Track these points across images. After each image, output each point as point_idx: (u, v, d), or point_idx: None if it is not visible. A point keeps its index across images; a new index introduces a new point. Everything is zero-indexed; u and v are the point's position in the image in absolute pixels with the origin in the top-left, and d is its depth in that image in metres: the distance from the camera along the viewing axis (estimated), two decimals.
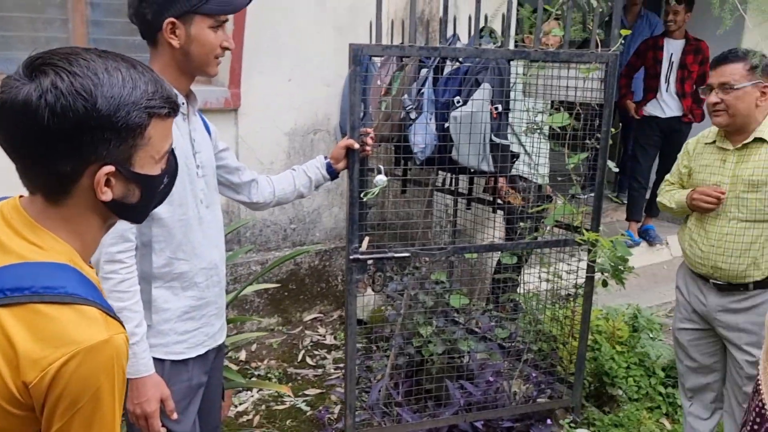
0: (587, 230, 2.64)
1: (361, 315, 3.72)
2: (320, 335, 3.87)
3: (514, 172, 3.21)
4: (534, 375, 2.96)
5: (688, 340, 2.56)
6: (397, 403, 2.82)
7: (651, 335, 3.51)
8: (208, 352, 1.81)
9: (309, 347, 3.75)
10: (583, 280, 2.81)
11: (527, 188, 3.24)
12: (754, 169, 2.32)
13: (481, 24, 3.07)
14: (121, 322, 0.96)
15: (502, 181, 3.24)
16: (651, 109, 4.88)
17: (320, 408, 3.15)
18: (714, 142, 2.46)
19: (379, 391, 2.87)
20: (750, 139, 2.34)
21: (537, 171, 3.19)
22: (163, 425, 1.65)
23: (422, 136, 2.89)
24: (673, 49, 4.79)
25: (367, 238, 2.39)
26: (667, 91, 4.84)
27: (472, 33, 2.70)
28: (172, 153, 1.08)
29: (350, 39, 3.58)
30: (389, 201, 3.86)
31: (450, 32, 3.20)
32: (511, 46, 2.97)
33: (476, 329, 3.12)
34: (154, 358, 1.65)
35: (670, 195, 2.56)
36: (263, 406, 3.17)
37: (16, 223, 0.96)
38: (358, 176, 2.30)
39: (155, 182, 1.03)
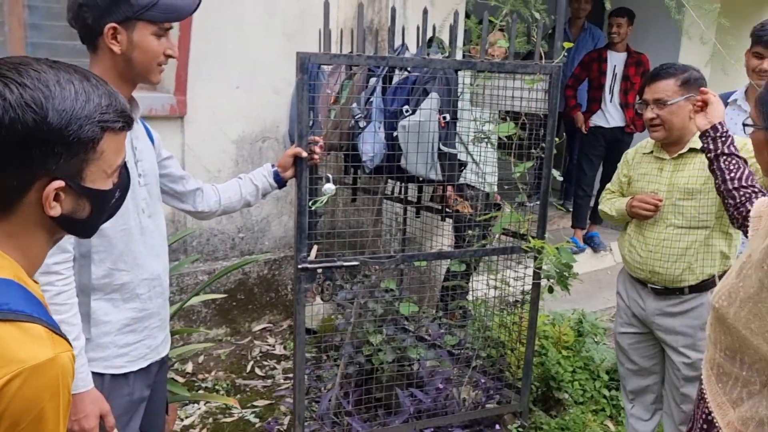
0: (533, 238, 2.70)
1: (311, 324, 3.70)
2: (269, 345, 3.82)
3: (462, 180, 3.26)
4: (483, 381, 2.99)
5: (629, 343, 2.64)
6: (348, 412, 2.81)
7: (596, 339, 3.60)
8: (150, 365, 1.76)
9: (258, 358, 3.69)
10: (530, 286, 2.87)
11: (475, 196, 3.29)
12: (689, 178, 2.41)
13: (430, 34, 3.11)
14: (67, 340, 0.93)
15: (450, 189, 3.28)
16: (596, 119, 5.04)
17: (269, 419, 3.11)
18: (652, 152, 2.54)
19: (329, 400, 2.86)
20: (685, 150, 2.43)
21: (485, 179, 3.24)
22: None
23: (371, 145, 2.90)
24: (616, 61, 4.96)
25: (315, 247, 2.37)
26: (611, 101, 5.00)
27: (420, 43, 2.73)
28: (124, 166, 1.05)
29: (300, 46, 3.57)
30: (339, 209, 3.85)
31: (399, 42, 3.23)
32: (459, 57, 3.02)
33: (426, 337, 3.14)
34: (93, 373, 1.60)
35: (611, 203, 2.63)
36: (210, 419, 3.10)
37: None
38: (307, 185, 2.29)
39: (106, 197, 1.01)
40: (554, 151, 2.72)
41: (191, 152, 3.66)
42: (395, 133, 2.88)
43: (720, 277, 2.41)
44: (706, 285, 2.41)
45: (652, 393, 2.68)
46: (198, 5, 1.70)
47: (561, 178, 2.93)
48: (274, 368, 3.61)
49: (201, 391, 3.30)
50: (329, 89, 3.30)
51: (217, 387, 3.37)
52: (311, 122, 3.54)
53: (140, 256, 1.68)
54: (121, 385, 1.69)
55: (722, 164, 1.94)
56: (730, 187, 1.89)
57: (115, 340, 1.67)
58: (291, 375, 3.39)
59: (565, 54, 2.60)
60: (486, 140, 3.01)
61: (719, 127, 1.99)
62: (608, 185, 2.73)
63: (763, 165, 1.45)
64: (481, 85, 2.85)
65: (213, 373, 3.51)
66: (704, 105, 2.10)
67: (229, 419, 3.11)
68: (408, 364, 2.97)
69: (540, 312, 3.64)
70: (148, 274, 1.71)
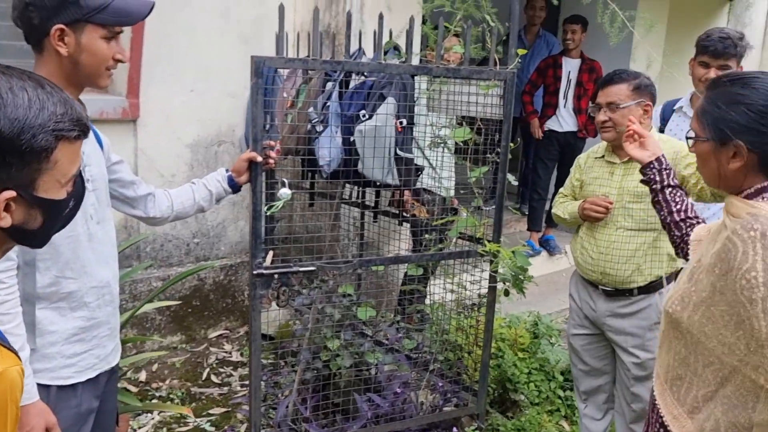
0: (489, 241, 2.73)
1: (269, 330, 3.66)
2: (226, 352, 3.77)
3: (419, 185, 3.27)
4: (440, 384, 3.01)
5: (581, 345, 2.69)
6: (305, 418, 2.79)
7: (551, 341, 3.67)
8: (99, 375, 1.72)
9: (214, 365, 3.64)
10: (487, 290, 2.90)
11: (432, 201, 3.31)
12: (638, 182, 2.47)
13: (386, 39, 3.13)
14: (16, 353, 0.90)
15: (407, 193, 3.30)
16: (550, 123, 5.15)
17: (225, 427, 3.06)
18: (603, 156, 2.61)
19: (287, 407, 2.83)
20: None
21: (442, 184, 3.27)
22: None
23: (328, 150, 2.90)
24: (570, 67, 5.07)
25: (271, 253, 2.35)
26: (564, 107, 5.12)
27: (376, 48, 2.73)
28: (79, 175, 1.02)
29: (256, 50, 3.55)
30: (297, 214, 3.83)
31: (356, 46, 3.23)
32: (416, 62, 3.04)
33: (384, 341, 3.14)
34: (39, 384, 1.55)
35: (564, 206, 2.68)
36: (164, 429, 3.04)
37: None
38: (262, 189, 2.26)
39: (60, 207, 0.98)
40: (509, 156, 2.75)
41: (144, 156, 3.59)
42: (352, 138, 2.88)
43: (667, 278, 2.49)
44: (654, 286, 2.48)
45: (604, 393, 2.74)
46: (150, 10, 1.67)
47: (516, 183, 2.97)
48: (231, 375, 3.56)
49: (155, 401, 3.23)
50: (286, 93, 3.28)
51: (171, 396, 3.30)
52: (268, 126, 3.52)
53: (88, 264, 1.64)
54: (69, 397, 1.64)
55: (668, 196, 1.90)
56: (677, 219, 1.85)
57: (62, 351, 1.62)
58: (248, 382, 3.35)
59: (519, 60, 2.64)
60: (442, 145, 3.03)
61: (663, 159, 1.97)
62: (561, 189, 2.79)
63: (707, 175, 1.48)
64: (437, 91, 2.87)
65: (167, 382, 3.44)
66: (636, 135, 2.04)
67: (183, 428, 3.05)
68: (366, 369, 2.96)
69: (497, 315, 3.68)
70: (97, 281, 1.67)
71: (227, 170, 2.19)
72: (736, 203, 1.38)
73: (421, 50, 3.33)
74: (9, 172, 0.88)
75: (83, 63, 1.58)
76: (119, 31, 1.63)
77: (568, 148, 5.17)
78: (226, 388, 3.43)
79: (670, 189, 1.91)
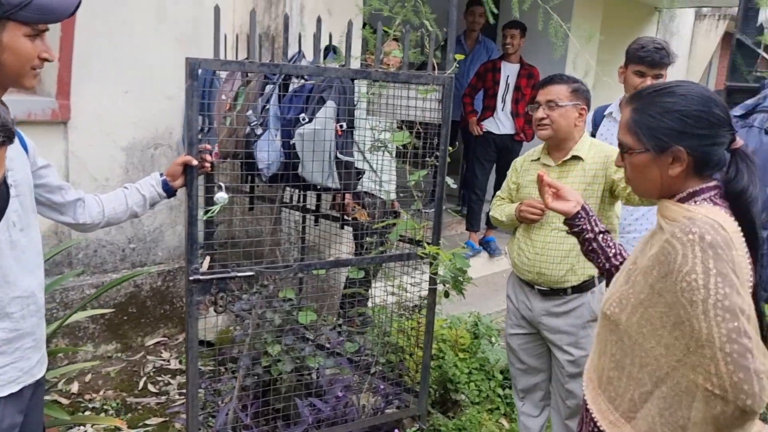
0: (428, 244, 2.76)
1: (209, 336, 3.59)
2: (164, 360, 3.67)
3: (360, 188, 3.28)
4: (382, 387, 3.02)
5: (518, 344, 2.75)
6: (246, 425, 2.74)
7: (491, 341, 3.73)
8: (23, 389, 1.64)
9: (151, 373, 3.54)
10: (427, 291, 2.92)
11: (373, 204, 3.32)
12: (572, 184, 2.55)
13: (326, 42, 3.12)
14: None
15: (348, 197, 3.30)
16: (488, 125, 5.26)
17: None
18: (539, 159, 2.67)
19: (227, 414, 2.78)
20: (568, 157, 2.57)
21: (383, 187, 3.28)
22: None
23: (267, 153, 2.87)
24: (509, 71, 5.18)
25: (207, 258, 2.31)
26: (502, 110, 5.23)
27: (316, 51, 2.72)
28: (3, 182, 0.97)
29: (194, 51, 3.47)
30: (237, 218, 3.77)
31: (295, 49, 3.21)
32: (356, 66, 3.04)
33: (326, 345, 3.13)
34: None
35: (501, 209, 2.74)
36: None
37: None
38: (197, 194, 2.22)
39: None
40: (448, 159, 2.79)
41: (76, 159, 3.46)
42: (292, 141, 2.86)
43: (599, 278, 2.57)
44: (586, 285, 2.56)
45: (541, 390, 2.81)
46: (77, 7, 1.61)
47: (455, 186, 3.01)
48: (169, 384, 3.47)
49: (87, 413, 3.12)
50: (225, 96, 3.23)
51: (105, 407, 3.20)
52: (207, 129, 3.46)
53: (11, 273, 1.57)
54: None
55: (602, 243, 1.83)
56: (616, 263, 1.79)
57: None
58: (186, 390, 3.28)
59: (457, 65, 2.68)
60: (383, 148, 3.04)
61: (587, 206, 1.89)
62: (498, 192, 2.85)
63: (645, 186, 1.48)
64: (377, 94, 2.88)
65: (101, 393, 3.32)
66: (551, 187, 1.92)
67: None
68: (307, 374, 2.94)
69: (438, 316, 3.72)
70: (21, 291, 1.60)
71: (161, 174, 2.14)
72: (671, 207, 1.41)
73: (361, 54, 3.34)
74: None
75: (6, 63, 1.51)
76: (44, 29, 1.57)
77: (504, 150, 5.29)
78: (163, 397, 3.35)
79: (602, 235, 1.83)
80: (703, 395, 1.27)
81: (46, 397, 2.37)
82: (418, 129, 2.79)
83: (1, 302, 1.56)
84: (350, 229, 3.42)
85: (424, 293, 2.96)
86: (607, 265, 1.80)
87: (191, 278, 2.27)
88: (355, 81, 2.92)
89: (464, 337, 3.52)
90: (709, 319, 1.24)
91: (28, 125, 3.13)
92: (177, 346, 3.82)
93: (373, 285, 3.26)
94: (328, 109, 2.75)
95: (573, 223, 1.87)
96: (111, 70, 3.51)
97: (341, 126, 2.81)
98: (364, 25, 3.56)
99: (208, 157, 2.23)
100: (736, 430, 1.27)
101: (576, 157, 2.57)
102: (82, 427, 3.00)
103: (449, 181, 2.87)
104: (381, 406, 3.00)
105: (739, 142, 1.39)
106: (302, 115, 2.85)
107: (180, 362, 3.66)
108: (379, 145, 3.00)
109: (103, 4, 3.35)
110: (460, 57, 2.70)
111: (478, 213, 5.39)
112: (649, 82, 2.82)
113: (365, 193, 3.38)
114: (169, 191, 2.14)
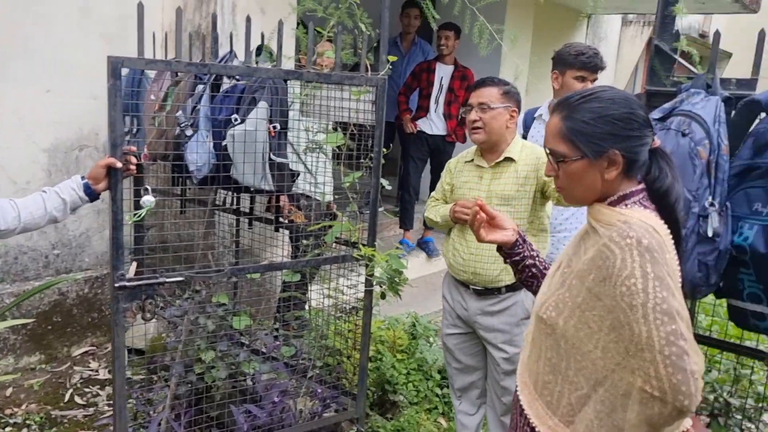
0: (364, 245, 2.75)
1: (140, 344, 3.47)
2: (92, 370, 3.52)
3: (296, 190, 3.24)
4: (319, 390, 2.99)
5: (454, 344, 2.78)
6: None
7: (429, 341, 3.76)
8: None
9: (78, 385, 3.39)
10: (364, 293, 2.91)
11: (309, 206, 3.28)
12: (505, 185, 2.60)
13: (259, 42, 3.07)
14: None
15: (284, 199, 3.25)
16: (421, 125, 5.30)
17: None
18: (472, 160, 2.71)
19: (159, 424, 2.69)
20: (501, 158, 2.62)
21: (320, 189, 3.25)
22: None
23: (199, 154, 2.79)
24: (443, 73, 5.24)
25: (134, 264, 2.23)
26: (435, 111, 5.29)
27: (246, 51, 2.67)
28: None
29: (120, 49, 3.36)
30: (169, 222, 3.66)
31: (227, 49, 3.15)
32: (290, 66, 3.01)
33: (263, 350, 3.07)
34: None
35: (436, 210, 2.76)
36: None
37: None
38: (122, 197, 2.14)
39: None
40: (382, 161, 2.78)
41: None
42: (224, 143, 2.79)
43: None
44: (519, 284, 2.60)
45: (477, 388, 2.84)
46: None
47: (390, 187, 3.01)
48: (97, 395, 3.34)
49: (8, 429, 2.96)
50: (154, 96, 3.13)
51: (28, 422, 3.04)
52: (135, 130, 3.34)
53: None
54: None
55: (539, 265, 1.75)
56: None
57: None
58: None
59: (390, 67, 2.68)
60: (319, 150, 3.02)
61: (520, 231, 1.79)
62: (433, 193, 2.87)
63: (581, 193, 1.46)
64: (310, 96, 2.85)
65: (24, 407, 3.16)
66: (488, 215, 1.76)
67: None
68: (243, 380, 2.88)
69: (376, 318, 3.73)
70: None
71: (83, 177, 2.05)
72: (604, 211, 1.42)
73: (295, 54, 3.30)
74: None
75: None
76: None
77: (437, 151, 5.36)
78: (92, 409, 3.21)
79: (538, 258, 1.76)
80: (641, 397, 1.29)
81: None
82: (352, 130, 2.77)
83: None
84: (286, 231, 3.37)
85: (361, 295, 2.95)
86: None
87: (117, 285, 2.19)
88: (289, 82, 2.88)
89: (402, 338, 3.53)
90: (648, 323, 1.26)
91: None
92: (106, 356, 3.67)
93: (309, 288, 3.23)
94: (260, 110, 2.70)
95: (513, 252, 1.74)
96: (31, 68, 3.34)
97: (274, 127, 2.77)
98: (300, 24, 3.53)
99: (133, 159, 2.15)
100: (668, 427, 1.30)
101: (508, 159, 2.61)
102: None
103: (384, 182, 2.87)
104: (319, 410, 2.97)
105: (657, 141, 1.44)
106: (234, 116, 2.78)
107: (109, 372, 3.52)
108: (314, 146, 2.97)
109: None
110: (393, 59, 2.70)
111: (411, 212, 5.44)
112: (589, 86, 2.90)
113: (301, 194, 3.34)
114: (92, 195, 2.05)
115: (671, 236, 1.38)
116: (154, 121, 3.02)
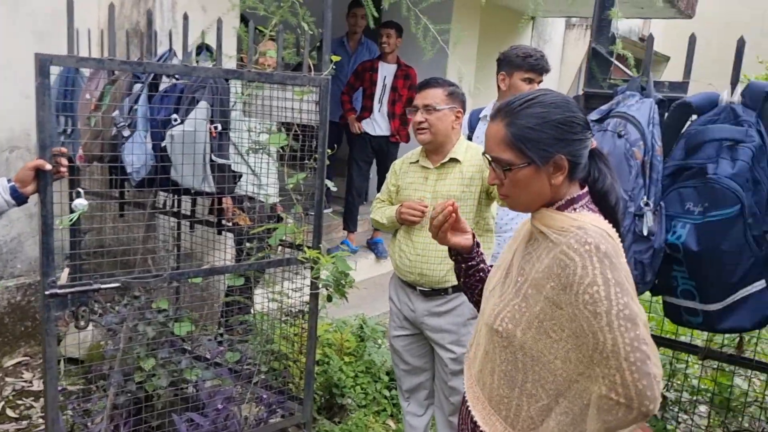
0: (309, 248, 2.71)
1: (78, 353, 3.34)
2: (25, 381, 3.37)
3: (240, 192, 3.17)
4: (265, 396, 2.93)
5: (402, 345, 2.77)
6: None
7: (377, 343, 3.74)
8: None
9: (11, 397, 3.23)
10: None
11: (253, 208, 3.22)
12: (451, 186, 2.61)
13: (198, 40, 2.99)
14: None
15: (228, 201, 3.18)
16: (365, 126, 5.28)
17: None
18: (417, 161, 2.71)
19: None
20: (446, 159, 2.62)
21: (264, 191, 3.19)
22: None
23: (137, 156, 2.70)
24: (386, 72, 5.23)
25: (66, 270, 2.14)
26: (379, 111, 5.28)
27: (185, 49, 2.60)
28: None
29: (53, 47, 3.22)
30: (107, 226, 3.53)
31: (166, 46, 3.06)
32: (231, 65, 2.94)
33: (206, 356, 3.00)
34: None
35: (382, 211, 2.75)
36: None
37: None
38: (52, 201, 2.04)
39: None
40: (328, 162, 2.75)
41: None
42: (163, 144, 2.71)
43: None
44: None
45: (425, 389, 2.84)
46: None
47: (335, 188, 2.99)
48: (31, 407, 3.19)
49: None
50: (89, 95, 3.01)
51: None
52: (70, 130, 3.21)
53: None
54: None
55: (487, 270, 1.72)
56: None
57: None
58: None
59: (334, 67, 2.66)
60: (263, 151, 2.96)
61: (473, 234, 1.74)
62: (378, 195, 2.86)
63: (528, 199, 1.43)
64: (253, 95, 2.80)
65: None
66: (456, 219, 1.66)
67: None
68: (185, 387, 2.81)
69: (324, 320, 3.69)
70: None
71: (9, 180, 1.95)
72: (555, 216, 1.39)
73: (237, 53, 3.23)
74: None
75: None
76: None
77: (381, 152, 5.35)
78: (25, 422, 3.07)
79: (483, 262, 1.73)
80: (604, 404, 1.28)
81: None
82: (296, 131, 2.73)
83: None
84: (230, 234, 3.30)
85: (307, 298, 2.91)
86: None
87: (47, 292, 2.09)
88: (231, 81, 2.82)
89: (350, 340, 3.50)
90: (613, 330, 1.25)
91: None
92: (40, 366, 3.52)
93: (255, 292, 3.17)
94: (201, 110, 2.63)
95: (469, 256, 1.70)
96: None
97: (215, 127, 2.70)
98: (244, 21, 3.46)
99: (64, 161, 2.06)
100: (625, 430, 1.29)
101: (454, 160, 2.62)
102: None
103: (329, 183, 2.84)
104: (264, 416, 2.91)
105: (594, 143, 1.45)
106: (173, 116, 2.71)
107: (44, 382, 3.37)
108: (258, 147, 2.92)
109: None
110: (336, 58, 2.68)
111: (355, 214, 5.41)
112: (536, 87, 2.94)
113: (245, 196, 3.27)
114: (19, 198, 1.96)
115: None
116: (90, 121, 2.91)
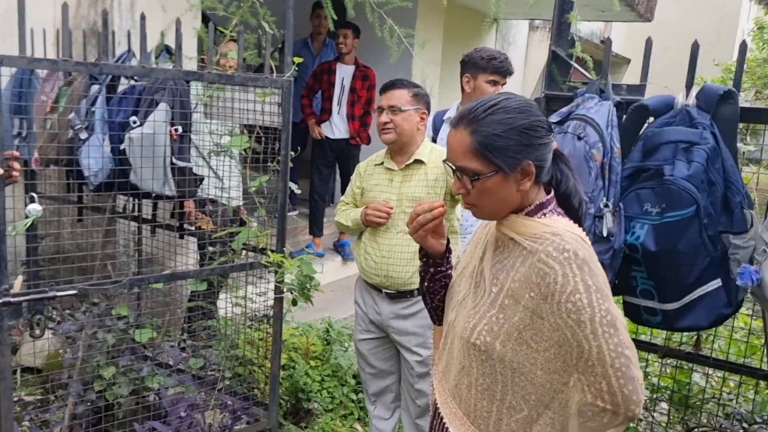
0: (273, 251, 2.68)
1: (36, 362, 3.24)
2: None
3: (203, 195, 3.12)
4: (230, 402, 2.89)
5: (368, 349, 2.76)
6: None
7: (344, 346, 3.72)
8: None
9: None
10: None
11: (215, 212, 3.18)
12: (416, 187, 2.61)
13: (157, 41, 2.94)
14: None
15: (190, 205, 3.13)
16: (324, 130, 5.24)
17: None
18: (382, 163, 2.70)
19: None
20: (411, 161, 2.62)
21: (228, 194, 3.15)
22: None
23: (94, 159, 2.64)
24: (344, 73, 5.19)
25: (20, 278, 2.07)
26: (338, 113, 5.24)
27: (142, 50, 2.55)
28: None
29: (6, 47, 3.13)
30: (65, 231, 3.45)
31: (126, 47, 3.00)
32: (192, 66, 2.90)
33: (169, 363, 2.94)
34: None
35: (346, 214, 2.74)
36: None
37: None
38: (4, 206, 1.98)
39: None
40: (290, 165, 2.73)
41: None
42: (122, 146, 2.66)
43: None
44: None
45: (391, 392, 2.84)
46: None
47: (299, 191, 2.96)
48: None
49: None
50: (45, 96, 2.94)
51: None
52: (25, 133, 3.13)
53: None
54: None
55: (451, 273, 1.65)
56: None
57: None
58: None
59: (296, 68, 2.64)
60: (225, 153, 2.92)
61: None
62: (342, 197, 2.84)
63: (495, 206, 1.39)
64: (214, 97, 2.76)
65: None
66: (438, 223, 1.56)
67: None
68: (147, 395, 2.75)
69: (289, 324, 3.66)
70: None
71: None
72: (526, 222, 1.37)
73: (198, 54, 3.19)
74: None
75: None
76: None
77: (341, 155, 5.30)
78: None
79: (452, 269, 1.66)
80: (591, 411, 1.27)
81: None
82: (258, 133, 2.70)
83: None
84: (193, 238, 3.25)
85: (272, 302, 2.88)
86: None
87: (1, 301, 2.02)
88: (192, 83, 2.77)
89: (316, 344, 3.48)
90: (598, 338, 1.24)
91: None
92: None
93: (218, 297, 3.12)
94: (160, 112, 2.59)
95: (440, 261, 1.61)
96: None
97: (176, 130, 2.66)
98: (206, 21, 3.41)
99: (17, 165, 2.00)
100: None
101: (418, 161, 2.62)
102: None
103: (293, 186, 2.82)
104: (229, 423, 2.87)
105: (554, 144, 1.44)
106: (132, 118, 2.65)
107: None
108: (220, 149, 2.88)
109: None
110: (299, 60, 2.66)
111: (320, 218, 5.37)
112: (500, 90, 2.96)
113: (207, 199, 3.22)
114: None
115: None
116: (45, 123, 2.83)
